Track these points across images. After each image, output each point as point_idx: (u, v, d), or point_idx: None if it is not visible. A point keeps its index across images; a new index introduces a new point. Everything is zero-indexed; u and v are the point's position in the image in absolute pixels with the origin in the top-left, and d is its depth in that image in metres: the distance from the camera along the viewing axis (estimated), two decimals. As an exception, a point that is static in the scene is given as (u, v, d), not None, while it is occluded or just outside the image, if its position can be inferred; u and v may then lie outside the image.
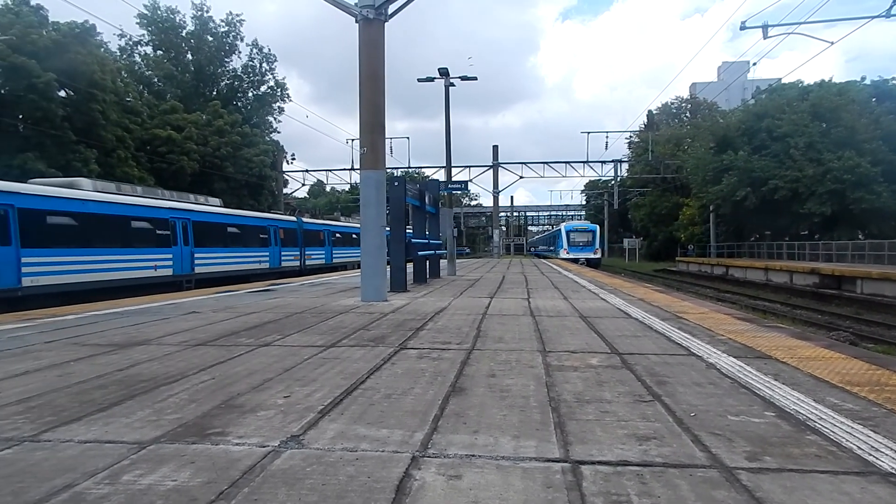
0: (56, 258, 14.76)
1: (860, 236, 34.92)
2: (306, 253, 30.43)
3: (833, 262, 29.84)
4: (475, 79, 23.32)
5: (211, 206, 23.30)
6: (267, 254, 26.39)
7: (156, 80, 48.03)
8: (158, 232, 18.92)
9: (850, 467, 2.17)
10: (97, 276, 16.12)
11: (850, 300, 21.08)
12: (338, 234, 35.46)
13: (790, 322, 15.14)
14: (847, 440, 2.45)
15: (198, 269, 20.71)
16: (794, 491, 1.96)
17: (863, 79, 39.70)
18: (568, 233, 49.16)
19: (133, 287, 16.32)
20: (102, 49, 37.11)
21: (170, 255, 19.33)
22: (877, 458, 2.24)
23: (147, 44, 49.14)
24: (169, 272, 19.26)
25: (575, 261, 37.98)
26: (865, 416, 2.78)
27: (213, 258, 21.80)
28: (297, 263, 29.26)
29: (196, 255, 20.62)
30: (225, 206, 25.20)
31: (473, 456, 2.27)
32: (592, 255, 44.89)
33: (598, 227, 51.74)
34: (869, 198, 32.91)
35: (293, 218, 30.67)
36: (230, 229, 23.71)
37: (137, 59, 48.80)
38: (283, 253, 27.80)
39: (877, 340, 13.33)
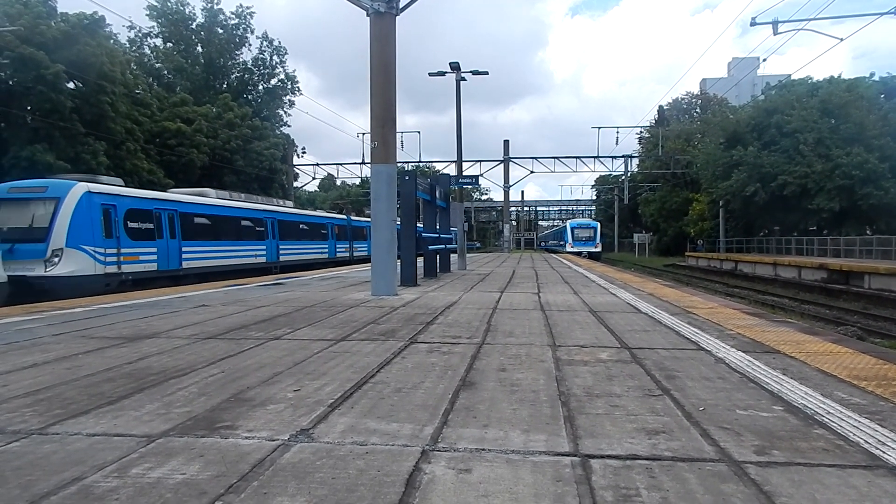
0: (199, 248, 19.69)
1: (868, 232, 34.75)
2: (354, 246, 34.82)
3: (841, 258, 29.67)
4: (486, 73, 23.32)
5: (287, 208, 28.33)
6: (326, 246, 31.14)
7: (165, 72, 48.16)
8: (257, 229, 23.96)
9: (857, 461, 2.17)
10: (221, 261, 20.82)
11: (858, 295, 20.95)
12: None
13: (798, 317, 15.07)
14: (854, 434, 2.45)
15: (281, 259, 25.39)
16: (802, 485, 1.96)
17: (871, 75, 39.62)
18: (572, 229, 56.28)
19: (240, 271, 20.84)
20: (112, 41, 37.10)
21: (264, 247, 24.31)
22: (884, 452, 2.24)
23: (156, 36, 49.33)
24: (263, 260, 24.00)
25: (578, 254, 42.28)
26: (873, 411, 2.78)
27: (291, 250, 26.63)
28: (348, 254, 33.82)
29: (280, 247, 25.52)
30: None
31: (483, 450, 2.28)
32: (594, 249, 51.21)
33: (598, 224, 59.07)
34: (877, 193, 32.81)
35: (344, 216, 35.33)
36: (301, 226, 28.56)
37: (147, 51, 48.99)
38: (337, 245, 32.58)
39: (884, 335, 13.26)
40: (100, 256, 15.44)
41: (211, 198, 21.91)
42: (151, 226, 17.56)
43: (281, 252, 25.40)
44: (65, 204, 14.88)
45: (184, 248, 18.84)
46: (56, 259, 14.66)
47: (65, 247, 14.70)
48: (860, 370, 3.60)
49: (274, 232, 25.02)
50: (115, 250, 15.95)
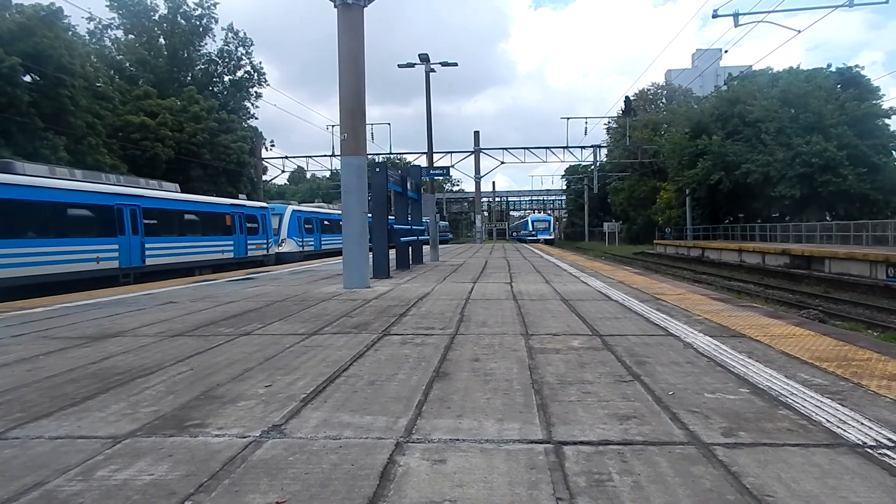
0: (328, 238, 32.72)
1: (828, 218, 35.72)
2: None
3: (803, 244, 30.44)
4: (455, 65, 23.35)
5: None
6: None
7: (128, 64, 46.83)
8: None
9: (819, 440, 2.23)
10: (335, 246, 31.13)
11: (819, 279, 21.52)
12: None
13: (763, 301, 15.41)
14: (817, 414, 2.52)
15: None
16: (768, 464, 2.01)
17: (828, 66, 40.44)
18: (533, 222, 73.24)
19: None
20: (70, 32, 35.94)
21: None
22: (844, 431, 2.31)
23: (118, 27, 47.93)
24: None
25: (537, 240, 56.92)
26: (834, 391, 2.86)
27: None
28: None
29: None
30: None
31: (457, 440, 2.28)
32: (549, 237, 66.46)
33: (552, 217, 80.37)
34: (836, 181, 33.77)
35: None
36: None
37: (108, 43, 47.53)
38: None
39: (844, 318, 13.63)
40: (297, 242, 29.47)
41: (325, 208, 36.22)
42: (311, 227, 31.66)
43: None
44: (284, 216, 28.88)
45: (322, 238, 32.50)
46: (283, 244, 28.30)
47: (286, 237, 28.70)
48: (822, 352, 3.70)
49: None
50: (300, 239, 29.83)
